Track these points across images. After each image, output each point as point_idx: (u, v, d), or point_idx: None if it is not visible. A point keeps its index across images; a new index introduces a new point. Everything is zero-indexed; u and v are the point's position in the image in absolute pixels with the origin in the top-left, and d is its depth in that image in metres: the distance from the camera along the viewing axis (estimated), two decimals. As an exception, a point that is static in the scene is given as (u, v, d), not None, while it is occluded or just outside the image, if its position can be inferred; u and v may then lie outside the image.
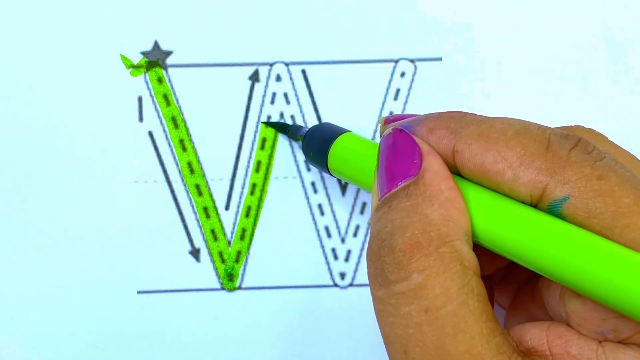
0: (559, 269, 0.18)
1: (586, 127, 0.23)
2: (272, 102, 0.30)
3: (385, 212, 0.20)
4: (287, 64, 0.30)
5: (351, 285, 0.30)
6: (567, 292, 0.20)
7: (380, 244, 0.19)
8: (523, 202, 0.19)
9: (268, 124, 0.30)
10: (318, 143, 0.27)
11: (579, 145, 0.19)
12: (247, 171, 0.30)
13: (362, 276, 0.30)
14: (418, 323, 0.18)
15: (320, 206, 0.30)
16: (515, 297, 0.26)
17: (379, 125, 0.24)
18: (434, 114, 0.22)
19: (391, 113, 0.30)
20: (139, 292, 0.30)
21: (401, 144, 0.21)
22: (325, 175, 0.30)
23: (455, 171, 0.21)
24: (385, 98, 0.30)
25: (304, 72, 0.30)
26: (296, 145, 0.30)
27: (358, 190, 0.30)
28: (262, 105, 0.30)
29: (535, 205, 0.19)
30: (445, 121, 0.21)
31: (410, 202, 0.20)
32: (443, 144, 0.21)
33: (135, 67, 0.30)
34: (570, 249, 0.18)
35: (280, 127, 0.30)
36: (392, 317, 0.19)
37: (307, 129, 0.28)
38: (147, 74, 0.30)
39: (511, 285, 0.26)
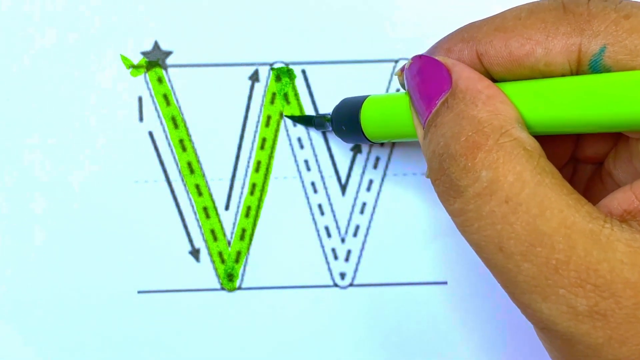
0: (625, 114, 0.18)
1: None
2: (272, 102, 0.30)
3: (433, 131, 0.20)
4: (287, 64, 0.30)
5: (351, 285, 0.30)
6: (635, 147, 0.19)
7: (440, 159, 0.19)
8: (563, 74, 0.19)
9: (292, 118, 0.30)
10: (347, 118, 0.27)
11: None
12: (247, 171, 0.30)
13: (362, 276, 0.30)
14: (503, 216, 0.18)
15: (320, 206, 0.30)
16: (584, 193, 0.25)
17: (397, 78, 0.24)
18: (443, 37, 0.22)
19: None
20: (139, 292, 0.30)
21: (425, 66, 0.21)
22: (325, 175, 0.30)
23: (489, 77, 0.20)
24: (385, 98, 0.30)
25: (304, 72, 0.30)
26: (296, 146, 0.30)
27: (358, 190, 0.30)
28: (261, 105, 0.30)
29: (577, 72, 0.19)
30: (458, 35, 0.21)
31: (453, 112, 0.19)
32: (466, 54, 0.21)
33: (135, 67, 0.30)
34: (629, 88, 0.18)
35: (305, 120, 0.30)
36: (476, 222, 0.19)
37: (329, 114, 0.28)
38: (147, 74, 0.30)
39: (577, 184, 0.25)
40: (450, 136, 0.19)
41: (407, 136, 0.24)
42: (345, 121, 0.27)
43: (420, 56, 0.21)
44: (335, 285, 0.30)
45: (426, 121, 0.20)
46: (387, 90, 0.30)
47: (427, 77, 0.21)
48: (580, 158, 0.24)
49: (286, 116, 0.30)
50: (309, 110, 0.30)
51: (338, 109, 0.28)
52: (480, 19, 0.21)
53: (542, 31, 0.19)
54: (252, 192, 0.30)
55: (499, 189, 0.18)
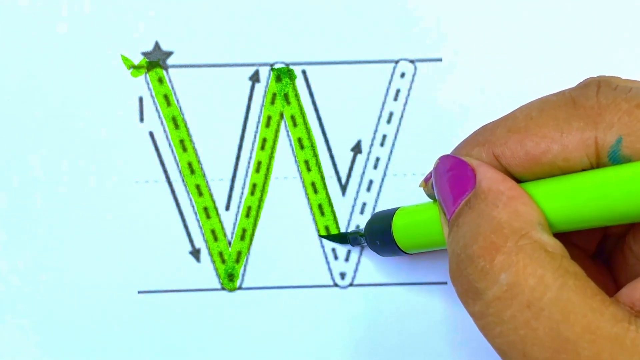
0: None
1: (595, 76, 0.23)
2: (272, 102, 0.30)
3: (455, 231, 0.20)
4: (287, 64, 0.30)
5: (351, 285, 0.30)
6: None
7: (458, 259, 0.19)
8: (584, 170, 0.19)
9: (327, 237, 0.30)
10: (379, 232, 0.27)
11: (601, 87, 0.19)
12: (247, 171, 0.30)
13: (362, 276, 0.30)
14: (525, 321, 0.18)
15: (320, 206, 0.30)
16: (607, 264, 0.25)
17: (423, 189, 0.24)
18: (460, 143, 0.22)
19: (391, 115, 0.30)
20: (139, 292, 0.30)
21: (451, 165, 0.21)
22: (326, 175, 0.30)
23: (511, 177, 0.20)
24: (385, 98, 0.30)
25: (304, 72, 0.30)
26: (297, 146, 0.30)
27: (358, 191, 0.30)
28: (262, 105, 0.30)
29: (596, 164, 0.19)
30: (473, 139, 0.21)
31: (474, 212, 0.19)
32: (484, 158, 0.21)
33: (136, 68, 0.30)
34: None
35: (340, 239, 0.30)
36: (498, 327, 0.18)
37: (362, 229, 0.29)
38: (147, 75, 0.30)
39: (599, 255, 0.25)
40: (470, 237, 0.19)
41: (441, 245, 0.23)
42: (379, 235, 0.27)
43: (447, 156, 0.22)
44: (335, 285, 0.30)
45: (450, 220, 0.21)
46: (386, 91, 0.30)
47: (453, 176, 0.21)
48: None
49: (320, 236, 0.30)
50: (310, 111, 0.30)
51: (370, 223, 0.28)
52: (492, 121, 0.21)
53: (556, 128, 0.19)
54: (252, 193, 0.30)
55: (520, 293, 0.18)
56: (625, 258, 0.23)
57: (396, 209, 0.26)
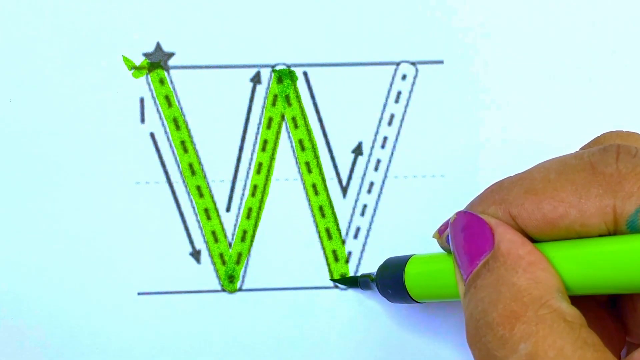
0: None
1: (612, 131, 0.23)
2: (274, 104, 0.30)
3: (472, 293, 0.20)
4: (288, 66, 0.30)
5: (351, 287, 0.30)
6: None
7: (476, 325, 0.19)
8: (601, 235, 0.19)
9: (337, 281, 0.30)
10: (391, 281, 0.27)
11: (620, 154, 0.19)
12: (248, 173, 0.30)
13: (363, 278, 0.30)
14: None
15: (321, 208, 0.30)
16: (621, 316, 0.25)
17: (437, 241, 0.24)
18: (475, 198, 0.22)
19: (392, 117, 0.30)
20: (139, 294, 0.30)
21: (469, 223, 0.21)
22: (327, 177, 0.30)
23: (526, 236, 0.20)
24: (386, 101, 0.30)
25: (305, 74, 0.30)
26: (298, 148, 0.30)
27: (359, 192, 0.30)
28: (263, 107, 0.30)
29: (614, 231, 0.19)
30: (489, 197, 0.21)
31: (493, 275, 0.19)
32: (500, 216, 0.20)
33: (137, 69, 0.30)
34: None
35: (350, 282, 0.30)
36: None
37: (374, 273, 0.28)
38: (149, 76, 0.30)
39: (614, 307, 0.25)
40: (489, 302, 0.19)
41: (453, 297, 0.23)
42: (390, 283, 0.27)
43: (464, 212, 0.21)
44: (336, 286, 0.30)
45: (467, 280, 0.20)
46: (388, 93, 0.30)
47: (470, 234, 0.21)
48: None
49: (332, 280, 0.30)
50: (311, 113, 0.30)
51: (382, 269, 0.28)
52: (509, 178, 0.21)
53: (574, 193, 0.19)
54: (253, 194, 0.30)
55: None
56: (635, 307, 0.23)
57: (409, 256, 0.26)
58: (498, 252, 0.20)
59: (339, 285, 0.30)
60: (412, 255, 0.26)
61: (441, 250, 0.24)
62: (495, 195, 0.21)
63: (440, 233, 0.24)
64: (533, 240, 0.20)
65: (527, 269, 0.19)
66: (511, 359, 0.18)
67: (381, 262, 0.28)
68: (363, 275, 0.29)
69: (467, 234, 0.21)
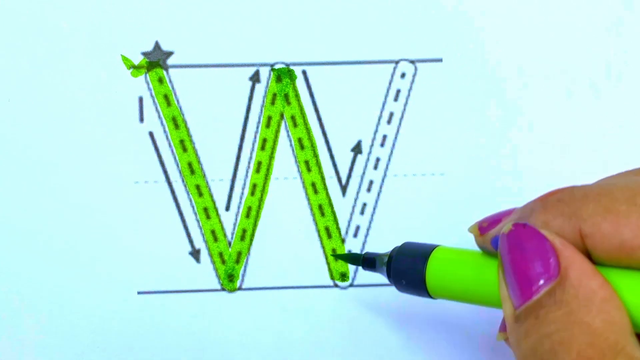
0: None
1: None
2: (273, 102, 0.30)
3: (534, 324, 0.18)
4: (287, 65, 0.30)
5: (351, 285, 0.30)
6: None
7: None
8: None
9: (337, 256, 0.29)
10: (409, 269, 0.24)
11: None
12: (247, 172, 0.30)
13: (363, 277, 0.30)
14: None
15: (320, 207, 0.30)
16: None
17: (474, 236, 0.22)
18: (537, 202, 0.20)
19: (391, 115, 0.30)
20: (139, 293, 0.30)
21: (528, 240, 0.19)
22: (326, 176, 0.30)
23: (586, 255, 0.19)
24: (385, 99, 0.30)
25: (304, 72, 0.30)
26: (297, 146, 0.30)
27: (358, 191, 0.30)
28: (262, 105, 0.30)
29: None
30: (557, 206, 0.19)
31: (562, 310, 0.17)
32: (567, 232, 0.18)
33: (136, 68, 0.30)
34: None
35: (351, 259, 0.28)
36: None
37: (386, 256, 0.25)
38: (147, 75, 0.30)
39: None
40: (559, 342, 0.17)
41: (479, 302, 0.22)
42: (408, 270, 0.24)
43: (524, 225, 0.19)
44: (335, 285, 0.30)
45: (523, 306, 0.18)
46: (387, 91, 0.30)
47: (529, 253, 0.19)
48: None
49: (332, 255, 0.30)
50: (310, 112, 0.30)
51: (399, 254, 0.25)
52: (581, 189, 0.19)
53: None
54: (252, 193, 0.30)
55: None
56: None
57: (433, 246, 0.24)
58: (567, 281, 0.18)
59: (339, 284, 0.30)
60: (437, 245, 0.24)
61: (470, 244, 0.22)
62: (565, 207, 0.19)
63: (481, 230, 0.21)
64: (593, 262, 0.18)
65: (601, 308, 0.17)
66: None
67: (396, 245, 0.25)
68: (368, 254, 0.26)
69: (526, 253, 0.19)
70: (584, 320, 0.17)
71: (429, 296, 0.24)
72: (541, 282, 0.18)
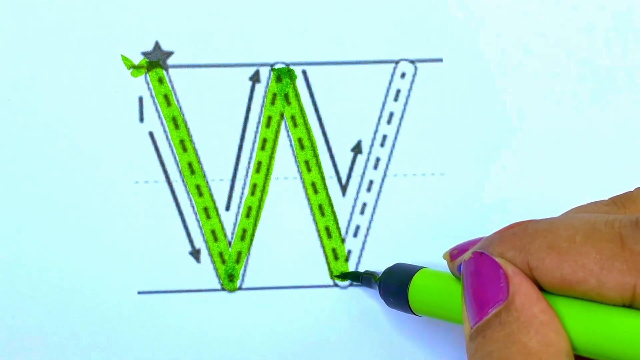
0: None
1: None
2: (273, 102, 0.30)
3: (481, 342, 0.20)
4: (287, 65, 0.30)
5: (351, 285, 0.30)
6: None
7: None
8: (615, 305, 0.19)
9: (341, 276, 0.30)
10: (395, 288, 0.27)
11: None
12: (247, 172, 0.30)
13: (363, 276, 0.30)
14: None
15: (320, 207, 0.30)
16: None
17: (446, 262, 0.24)
18: (496, 234, 0.22)
19: (391, 115, 0.30)
20: (139, 293, 0.30)
21: (484, 267, 0.21)
22: (326, 176, 0.30)
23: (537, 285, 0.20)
24: (385, 99, 0.30)
25: (304, 72, 0.30)
26: (297, 146, 0.30)
27: (358, 191, 0.30)
28: (262, 105, 0.30)
29: (629, 304, 0.18)
30: (511, 241, 0.21)
31: (504, 331, 0.19)
32: (517, 263, 0.20)
33: (136, 68, 0.30)
34: None
35: (353, 277, 0.30)
36: None
37: (380, 274, 0.28)
38: (147, 75, 0.30)
39: None
40: (497, 359, 0.19)
41: (455, 321, 0.23)
42: (393, 290, 0.27)
43: (481, 254, 0.21)
44: (336, 285, 0.30)
45: (475, 326, 0.20)
46: (387, 91, 0.30)
47: (484, 279, 0.20)
48: None
49: (335, 276, 0.30)
50: (310, 112, 0.30)
51: (388, 274, 0.28)
52: (533, 224, 0.20)
53: (597, 262, 0.18)
54: (252, 193, 0.30)
55: None
56: None
57: (418, 268, 0.26)
58: (512, 305, 0.19)
59: (339, 283, 0.30)
60: (422, 268, 0.26)
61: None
62: (517, 241, 0.20)
63: (451, 257, 0.23)
64: (544, 290, 0.20)
65: (539, 330, 0.19)
66: None
67: (387, 265, 0.28)
68: (367, 273, 0.29)
69: (482, 278, 0.21)
70: (522, 340, 0.19)
71: (413, 313, 0.26)
72: (492, 305, 0.20)
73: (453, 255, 0.23)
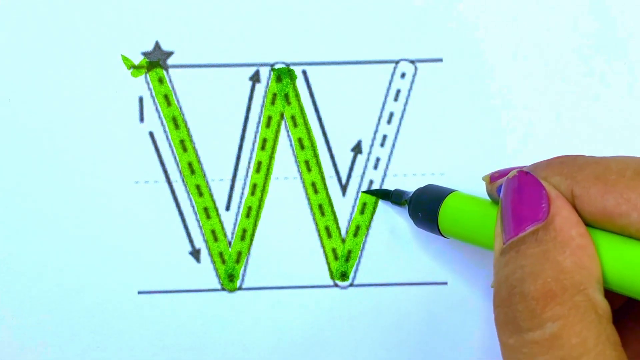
0: None
1: None
2: (273, 102, 0.30)
3: (513, 257, 0.20)
4: (287, 65, 0.30)
5: (351, 285, 0.30)
6: None
7: (511, 290, 0.19)
8: None
9: (369, 192, 0.30)
10: (426, 206, 0.27)
11: None
12: (247, 171, 0.30)
13: (362, 276, 0.30)
14: None
15: (320, 206, 0.30)
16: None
17: (485, 183, 0.24)
18: (543, 162, 0.22)
19: (391, 115, 0.30)
20: (139, 293, 0.30)
21: (527, 186, 0.21)
22: (326, 176, 0.30)
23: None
24: (385, 99, 0.30)
25: (304, 72, 0.30)
26: (297, 146, 0.30)
27: (359, 191, 0.30)
28: (262, 105, 0.30)
29: None
30: (558, 167, 0.21)
31: (540, 247, 0.19)
32: (561, 189, 0.20)
33: (136, 68, 0.30)
34: None
35: (382, 194, 0.30)
36: None
37: (410, 194, 0.28)
38: (148, 75, 0.30)
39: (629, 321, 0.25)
40: (529, 273, 0.19)
41: (482, 244, 0.24)
42: (424, 209, 0.27)
43: (526, 173, 0.21)
44: (336, 285, 0.30)
45: (509, 241, 0.20)
46: (387, 91, 0.30)
47: (525, 197, 0.21)
48: None
49: (363, 192, 0.30)
50: (310, 112, 0.30)
51: (421, 192, 0.28)
52: (583, 157, 0.21)
53: None
54: (252, 193, 0.30)
55: (559, 347, 0.18)
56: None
57: (450, 190, 0.26)
58: (551, 225, 0.20)
59: (339, 284, 0.30)
60: (455, 190, 0.26)
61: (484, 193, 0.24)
62: (565, 168, 0.21)
63: (492, 179, 0.24)
64: (583, 221, 0.20)
65: (575, 252, 0.19)
66: (535, 333, 0.19)
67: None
68: (398, 191, 0.29)
69: (523, 196, 0.21)
70: (557, 259, 0.19)
71: (441, 234, 0.26)
72: (530, 223, 0.20)
73: (494, 177, 0.24)
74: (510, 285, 0.19)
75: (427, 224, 0.27)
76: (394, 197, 0.29)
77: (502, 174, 0.23)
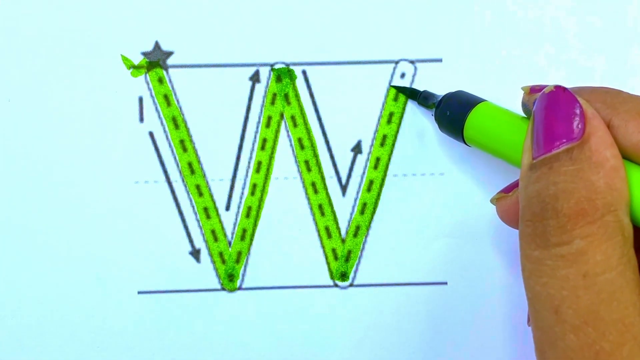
0: None
1: None
2: (273, 102, 0.30)
3: (546, 173, 0.20)
4: (287, 65, 0.30)
5: (351, 285, 0.30)
6: None
7: (543, 206, 0.20)
8: None
9: (397, 87, 0.30)
10: (454, 111, 0.27)
11: None
12: (247, 171, 0.30)
13: (362, 276, 0.30)
14: (574, 286, 0.19)
15: (320, 206, 0.30)
16: None
17: (523, 93, 0.24)
18: (588, 87, 0.22)
19: (391, 115, 0.30)
20: (139, 293, 0.30)
21: (564, 104, 0.21)
22: (326, 176, 0.30)
23: None
24: (385, 99, 0.30)
25: (304, 72, 0.30)
26: (297, 146, 0.30)
27: (358, 191, 0.30)
28: (262, 105, 0.30)
29: None
30: (602, 95, 0.21)
31: (574, 166, 0.19)
32: (600, 116, 0.20)
33: (135, 68, 0.30)
34: None
35: (410, 93, 0.30)
36: (546, 277, 0.19)
37: (439, 97, 0.28)
38: (147, 75, 0.30)
39: None
40: (563, 190, 0.19)
41: (505, 157, 0.24)
42: (452, 111, 0.27)
43: (564, 89, 0.21)
44: (336, 285, 0.30)
45: (541, 157, 0.20)
46: (386, 91, 0.30)
47: (561, 114, 0.20)
48: None
49: (392, 86, 0.30)
50: (310, 112, 0.30)
51: (449, 98, 0.27)
52: (628, 93, 0.21)
53: None
54: (252, 193, 0.30)
55: (583, 262, 0.19)
56: None
57: (481, 99, 0.26)
58: (586, 144, 0.20)
59: (339, 284, 0.30)
60: (486, 100, 0.26)
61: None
62: (608, 98, 0.21)
63: (531, 90, 0.23)
64: None
65: (608, 173, 0.19)
66: (561, 248, 0.19)
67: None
68: (427, 92, 0.29)
69: (559, 113, 0.20)
70: (591, 178, 0.19)
71: (465, 142, 0.26)
72: (564, 140, 0.20)
73: (534, 89, 0.23)
74: (542, 200, 0.20)
75: (453, 130, 0.27)
76: (422, 97, 0.29)
77: (543, 87, 0.23)
